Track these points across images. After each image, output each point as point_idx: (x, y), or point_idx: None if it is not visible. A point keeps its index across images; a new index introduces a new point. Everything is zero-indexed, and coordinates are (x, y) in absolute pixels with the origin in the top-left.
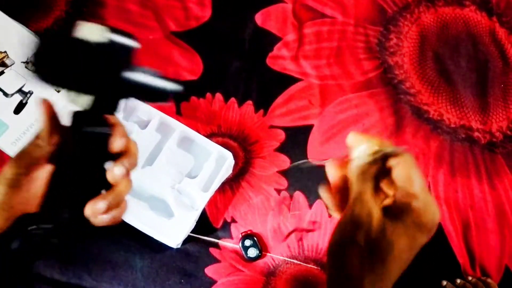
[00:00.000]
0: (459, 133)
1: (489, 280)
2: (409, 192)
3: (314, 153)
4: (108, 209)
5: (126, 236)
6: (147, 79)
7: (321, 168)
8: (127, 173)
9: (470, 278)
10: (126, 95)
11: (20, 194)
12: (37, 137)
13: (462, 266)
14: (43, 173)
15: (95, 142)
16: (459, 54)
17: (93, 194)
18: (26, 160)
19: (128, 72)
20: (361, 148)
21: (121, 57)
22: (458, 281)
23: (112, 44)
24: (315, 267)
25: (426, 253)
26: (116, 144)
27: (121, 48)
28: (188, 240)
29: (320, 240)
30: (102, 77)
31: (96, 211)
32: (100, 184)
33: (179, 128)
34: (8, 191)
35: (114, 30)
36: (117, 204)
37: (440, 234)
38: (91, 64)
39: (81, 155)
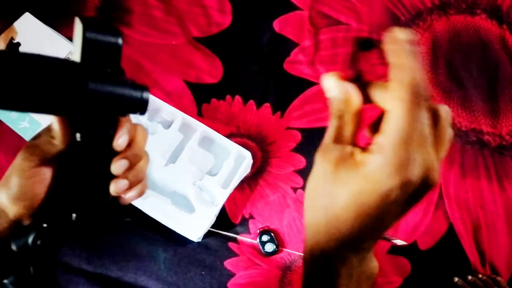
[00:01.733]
0: (470, 136)
1: (499, 278)
2: None
3: None
4: (131, 186)
5: (150, 230)
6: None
7: None
8: (131, 166)
9: (480, 275)
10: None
11: (35, 185)
12: (51, 134)
13: (473, 264)
14: (49, 171)
15: (100, 142)
16: (470, 60)
17: (100, 190)
18: (39, 154)
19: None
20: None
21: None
22: (469, 277)
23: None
24: None
25: (438, 251)
26: (120, 141)
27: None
28: (208, 234)
29: None
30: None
31: (119, 189)
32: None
33: (200, 128)
34: (23, 182)
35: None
36: (138, 180)
37: (451, 232)
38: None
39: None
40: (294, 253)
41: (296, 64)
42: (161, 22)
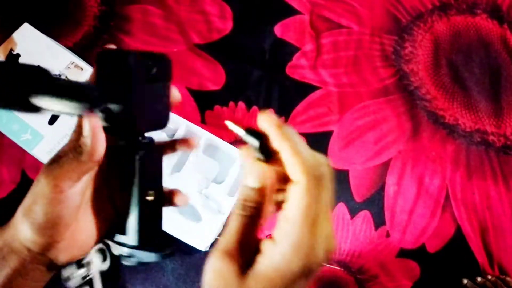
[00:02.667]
0: (474, 136)
1: (508, 278)
2: None
3: (334, 158)
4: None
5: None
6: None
7: (342, 173)
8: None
9: (489, 276)
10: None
11: (62, 211)
12: (79, 151)
13: (481, 265)
14: (77, 193)
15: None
16: (472, 60)
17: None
18: (65, 177)
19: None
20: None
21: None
22: (479, 279)
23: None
24: (339, 268)
25: (446, 253)
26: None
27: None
28: (216, 243)
29: (342, 242)
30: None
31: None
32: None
33: (204, 135)
34: (49, 210)
35: None
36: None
37: (459, 234)
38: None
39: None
40: None
41: (299, 68)
42: (161, 30)
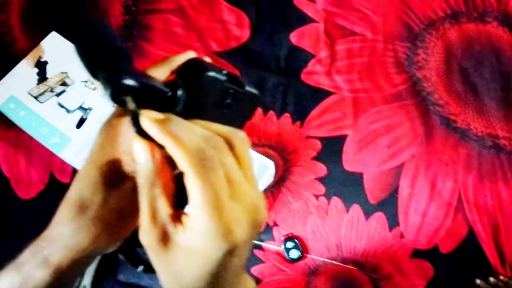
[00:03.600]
0: (486, 141)
1: None
2: None
3: (349, 162)
4: None
5: None
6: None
7: (357, 175)
8: None
9: (501, 277)
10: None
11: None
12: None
13: (494, 266)
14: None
15: None
16: (484, 67)
17: None
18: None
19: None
20: None
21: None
22: (491, 279)
23: None
24: (353, 268)
25: (459, 254)
26: None
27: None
28: None
29: (357, 243)
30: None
31: None
32: None
33: None
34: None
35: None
36: None
37: (471, 235)
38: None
39: None
40: (318, 259)
41: (314, 74)
42: (181, 38)
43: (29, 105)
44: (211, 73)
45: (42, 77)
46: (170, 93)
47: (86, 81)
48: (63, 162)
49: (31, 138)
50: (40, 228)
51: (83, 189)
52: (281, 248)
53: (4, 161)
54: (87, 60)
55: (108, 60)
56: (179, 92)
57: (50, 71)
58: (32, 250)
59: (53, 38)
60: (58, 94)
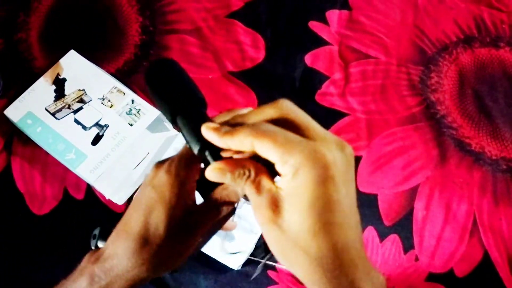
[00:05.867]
0: (500, 164)
1: None
2: None
3: (363, 183)
4: None
5: (191, 258)
6: None
7: (371, 196)
8: None
9: None
10: None
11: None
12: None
13: None
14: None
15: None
16: (497, 91)
17: None
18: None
19: None
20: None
21: None
22: None
23: None
24: None
25: (475, 278)
26: None
27: None
28: (247, 262)
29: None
30: None
31: None
32: None
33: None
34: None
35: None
36: None
37: (486, 260)
38: None
39: None
40: None
41: (328, 96)
42: (197, 58)
43: (46, 121)
44: None
45: (59, 94)
46: None
47: (103, 99)
48: (77, 178)
49: (46, 154)
50: (52, 244)
51: (150, 223)
52: None
53: (19, 176)
54: (169, 107)
55: (192, 110)
56: None
57: (68, 88)
58: (88, 280)
59: (71, 56)
60: (75, 111)
